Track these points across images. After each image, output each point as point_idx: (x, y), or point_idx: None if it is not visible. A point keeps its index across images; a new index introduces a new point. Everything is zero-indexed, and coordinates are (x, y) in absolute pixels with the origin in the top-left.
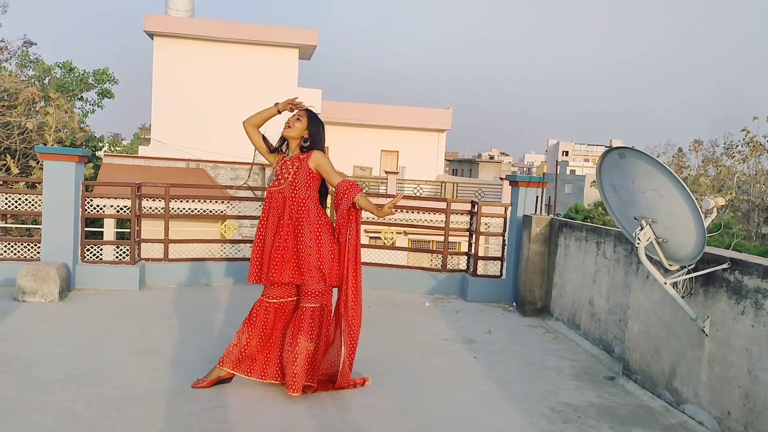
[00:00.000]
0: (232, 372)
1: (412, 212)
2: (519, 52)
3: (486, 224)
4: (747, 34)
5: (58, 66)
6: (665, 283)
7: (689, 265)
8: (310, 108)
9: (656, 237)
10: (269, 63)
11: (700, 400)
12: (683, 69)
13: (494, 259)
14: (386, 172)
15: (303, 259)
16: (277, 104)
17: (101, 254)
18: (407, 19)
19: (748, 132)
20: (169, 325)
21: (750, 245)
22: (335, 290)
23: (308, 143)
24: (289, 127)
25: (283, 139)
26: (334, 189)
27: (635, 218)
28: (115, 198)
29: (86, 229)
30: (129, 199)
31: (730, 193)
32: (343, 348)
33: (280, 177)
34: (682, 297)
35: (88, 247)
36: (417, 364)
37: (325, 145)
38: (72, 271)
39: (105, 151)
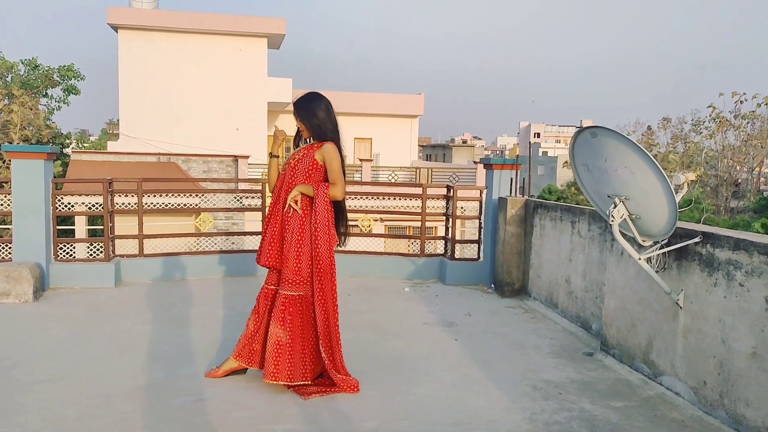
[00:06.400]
0: (244, 365)
1: (389, 198)
2: (487, 37)
3: (462, 208)
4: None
5: (22, 63)
6: (639, 259)
7: (662, 240)
8: (297, 102)
9: (630, 214)
10: (238, 53)
11: (676, 371)
12: (639, 52)
13: (471, 242)
14: (360, 160)
15: (285, 244)
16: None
17: (74, 252)
18: (376, 8)
19: (714, 108)
20: (147, 321)
21: (719, 219)
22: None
23: (316, 136)
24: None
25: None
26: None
27: (608, 196)
28: (87, 195)
29: (57, 227)
30: (100, 195)
31: (699, 169)
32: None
33: (287, 162)
34: (657, 272)
35: (60, 245)
36: (399, 349)
37: (338, 127)
38: (45, 271)
39: (73, 148)
